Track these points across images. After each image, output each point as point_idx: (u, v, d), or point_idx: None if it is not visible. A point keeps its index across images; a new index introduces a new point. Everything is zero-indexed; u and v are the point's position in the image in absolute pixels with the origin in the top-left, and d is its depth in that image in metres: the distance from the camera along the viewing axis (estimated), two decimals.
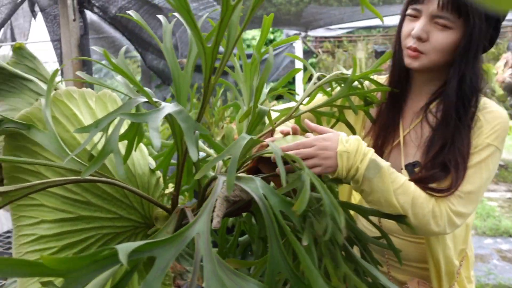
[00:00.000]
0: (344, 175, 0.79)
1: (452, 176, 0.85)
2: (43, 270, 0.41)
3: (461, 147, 0.87)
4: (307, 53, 6.24)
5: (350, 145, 0.78)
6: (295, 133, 0.83)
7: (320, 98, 0.98)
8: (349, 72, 0.89)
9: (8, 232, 1.95)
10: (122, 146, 0.77)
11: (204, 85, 0.58)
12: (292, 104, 1.00)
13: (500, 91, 4.97)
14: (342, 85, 0.87)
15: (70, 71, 2.13)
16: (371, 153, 0.79)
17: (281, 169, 0.61)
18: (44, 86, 0.78)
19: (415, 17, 0.93)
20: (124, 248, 0.42)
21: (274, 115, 1.08)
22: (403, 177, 0.83)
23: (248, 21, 0.54)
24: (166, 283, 0.82)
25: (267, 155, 0.72)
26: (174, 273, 0.88)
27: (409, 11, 0.94)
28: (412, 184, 0.83)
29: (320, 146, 0.77)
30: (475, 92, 0.91)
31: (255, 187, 0.57)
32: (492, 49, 5.58)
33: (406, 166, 0.94)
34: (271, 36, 9.44)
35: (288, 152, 0.70)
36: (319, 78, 0.91)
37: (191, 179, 0.84)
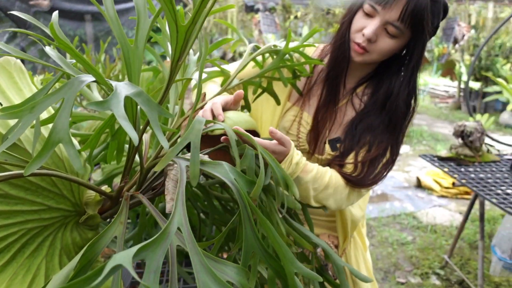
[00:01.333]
0: None
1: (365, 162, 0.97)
2: None
3: (380, 145, 0.98)
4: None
5: (290, 168, 0.83)
6: (237, 100, 0.82)
7: (250, 68, 0.98)
8: (282, 44, 0.91)
9: None
10: (44, 130, 0.66)
11: (172, 66, 0.52)
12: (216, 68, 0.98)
13: None
14: (274, 56, 0.88)
15: None
16: (299, 171, 0.85)
17: (235, 152, 0.61)
18: None
19: (370, 15, 0.94)
20: (126, 259, 0.39)
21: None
22: (327, 176, 0.91)
23: None
24: None
25: (215, 132, 0.71)
26: (103, 257, 0.82)
27: (366, 7, 0.94)
28: (333, 178, 0.93)
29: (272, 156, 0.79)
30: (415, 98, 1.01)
31: (225, 172, 0.56)
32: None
33: (329, 141, 1.02)
34: None
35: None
36: (253, 49, 0.90)
37: (121, 158, 0.77)
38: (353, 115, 1.04)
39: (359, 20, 0.96)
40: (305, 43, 0.95)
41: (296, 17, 6.63)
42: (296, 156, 0.83)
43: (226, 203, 1.03)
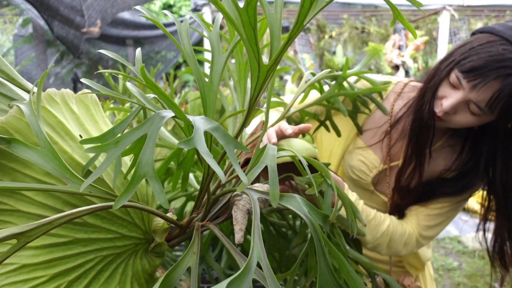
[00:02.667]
0: None
1: None
2: None
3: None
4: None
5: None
6: (300, 132, 0.83)
7: (308, 98, 0.98)
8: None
9: None
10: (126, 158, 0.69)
11: (250, 102, 0.54)
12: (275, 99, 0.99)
13: (388, 69, 5.52)
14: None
15: None
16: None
17: (313, 178, 0.62)
18: (13, 87, 0.64)
19: (455, 87, 0.87)
20: None
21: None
22: (384, 224, 0.91)
23: (294, 36, 0.51)
24: None
25: (284, 159, 0.72)
26: None
27: (452, 77, 0.86)
28: (391, 227, 0.92)
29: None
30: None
31: (298, 205, 0.56)
32: (382, 30, 6.04)
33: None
34: (171, 1, 8.88)
35: None
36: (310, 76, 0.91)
37: (185, 186, 0.79)
38: (438, 167, 1.01)
39: (443, 88, 0.89)
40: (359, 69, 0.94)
41: (330, 36, 6.66)
42: (351, 196, 0.84)
43: (279, 228, 1.03)
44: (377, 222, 0.89)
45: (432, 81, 0.91)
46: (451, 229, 3.70)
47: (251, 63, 0.50)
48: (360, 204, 0.86)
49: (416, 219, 0.99)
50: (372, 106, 1.01)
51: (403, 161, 0.99)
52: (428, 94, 0.91)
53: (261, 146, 0.80)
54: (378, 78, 1.00)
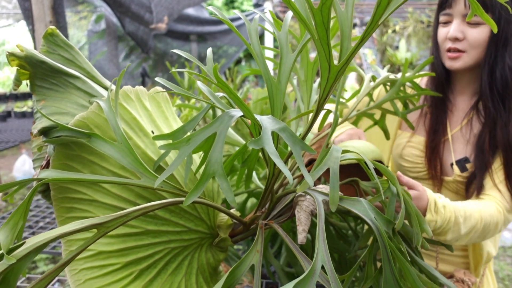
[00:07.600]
0: None
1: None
2: None
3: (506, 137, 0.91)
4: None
5: (440, 216, 0.78)
6: None
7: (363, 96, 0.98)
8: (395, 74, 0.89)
9: None
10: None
11: (319, 103, 0.54)
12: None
13: None
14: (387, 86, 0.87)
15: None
16: (453, 215, 0.80)
17: (380, 183, 0.60)
18: (93, 84, 0.69)
19: (448, 22, 1.00)
20: None
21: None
22: (475, 217, 0.85)
23: (364, 40, 0.49)
24: None
25: (348, 161, 0.70)
26: None
27: (441, 18, 1.02)
28: (480, 214, 0.86)
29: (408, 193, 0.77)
30: (511, 79, 0.93)
31: (364, 209, 0.55)
32: None
33: (458, 162, 0.97)
34: None
35: None
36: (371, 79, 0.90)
37: (249, 184, 0.80)
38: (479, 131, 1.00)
39: (441, 32, 1.02)
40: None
41: (394, 31, 6.38)
42: (439, 199, 0.80)
43: (339, 229, 1.02)
44: (470, 222, 0.84)
45: (432, 39, 1.06)
46: None
47: (321, 64, 0.49)
48: (449, 203, 0.81)
49: (496, 190, 0.92)
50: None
51: (430, 122, 1.05)
52: (433, 48, 1.05)
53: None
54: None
